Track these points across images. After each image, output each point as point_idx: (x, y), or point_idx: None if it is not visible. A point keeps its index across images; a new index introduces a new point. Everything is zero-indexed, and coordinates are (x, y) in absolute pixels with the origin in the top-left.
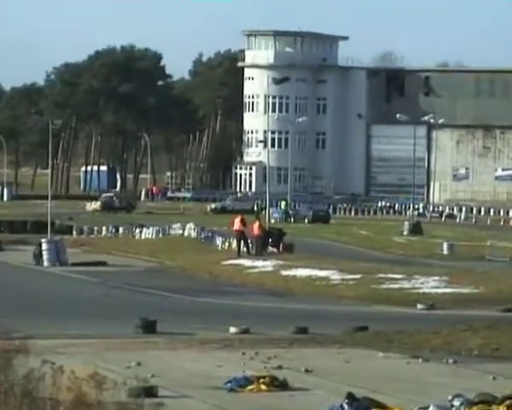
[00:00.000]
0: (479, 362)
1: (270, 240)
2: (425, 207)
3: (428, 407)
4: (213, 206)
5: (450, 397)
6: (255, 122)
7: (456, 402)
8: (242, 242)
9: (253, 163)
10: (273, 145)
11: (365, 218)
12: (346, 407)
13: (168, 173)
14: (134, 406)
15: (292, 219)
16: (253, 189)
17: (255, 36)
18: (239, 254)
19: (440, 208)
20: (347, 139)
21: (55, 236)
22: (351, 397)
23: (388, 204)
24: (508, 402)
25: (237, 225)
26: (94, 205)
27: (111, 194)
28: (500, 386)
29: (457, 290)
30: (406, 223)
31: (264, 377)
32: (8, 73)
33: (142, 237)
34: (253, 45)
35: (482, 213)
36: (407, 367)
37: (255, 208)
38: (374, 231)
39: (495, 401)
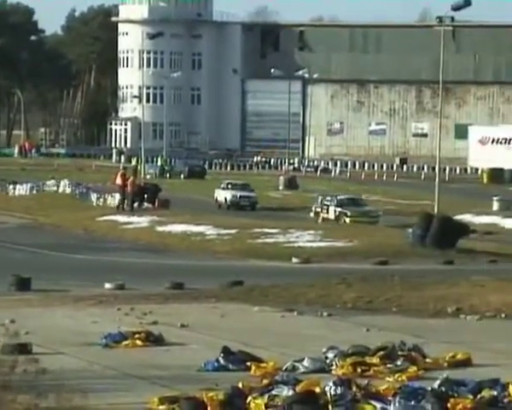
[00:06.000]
0: (353, 315)
1: (145, 196)
2: (300, 162)
3: (303, 360)
4: None
5: (324, 350)
6: (130, 77)
7: (331, 354)
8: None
9: (128, 119)
10: (148, 101)
11: (241, 173)
12: (221, 360)
13: (42, 130)
14: (7, 363)
15: (168, 175)
16: (129, 144)
17: None
18: (122, 209)
19: (315, 163)
20: (223, 95)
21: None
22: (226, 351)
23: (264, 159)
24: (380, 354)
25: (119, 179)
26: None
27: None
28: (373, 338)
29: (332, 244)
30: (281, 178)
31: (139, 333)
32: None
33: (16, 193)
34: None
35: (356, 167)
36: (282, 321)
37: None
38: None
39: (368, 352)
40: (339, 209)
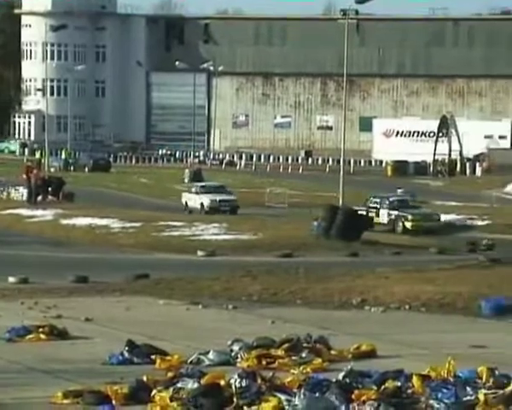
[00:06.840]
0: (258, 307)
1: (49, 189)
2: (206, 155)
3: (208, 353)
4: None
5: (229, 342)
6: (33, 70)
7: (236, 347)
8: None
9: (32, 112)
10: (52, 93)
11: (146, 166)
12: (126, 354)
13: None
14: None
15: (72, 168)
16: (32, 137)
17: None
18: (30, 201)
19: (221, 156)
20: (127, 87)
21: None
22: (131, 344)
23: (169, 152)
24: (285, 346)
25: (24, 173)
26: None
27: None
28: (278, 330)
29: (237, 237)
30: (187, 170)
31: (43, 327)
32: None
33: None
34: None
35: (262, 160)
36: (187, 314)
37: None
38: (154, 179)
39: (273, 344)
40: (395, 213)
